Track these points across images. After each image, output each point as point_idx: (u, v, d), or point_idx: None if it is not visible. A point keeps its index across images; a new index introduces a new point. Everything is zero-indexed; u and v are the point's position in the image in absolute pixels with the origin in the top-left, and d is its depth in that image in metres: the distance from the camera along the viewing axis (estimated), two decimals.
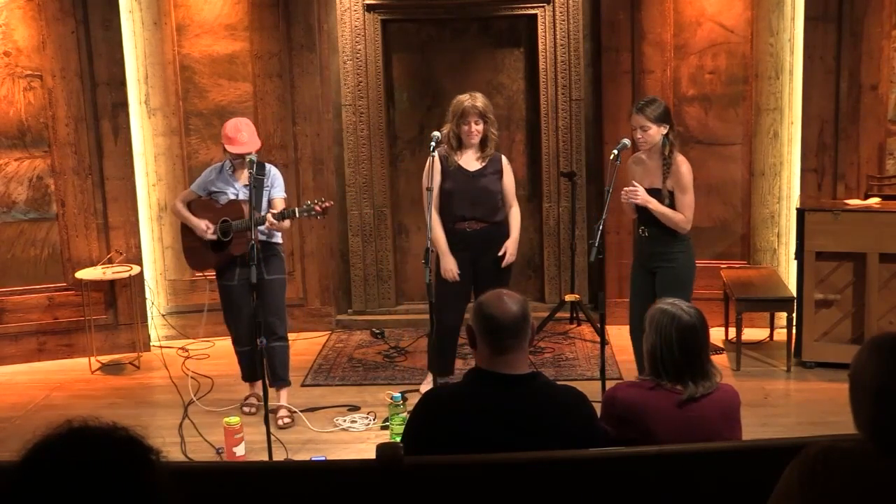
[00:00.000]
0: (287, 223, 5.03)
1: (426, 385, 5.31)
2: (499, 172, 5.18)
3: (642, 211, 4.80)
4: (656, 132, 4.71)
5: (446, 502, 2.54)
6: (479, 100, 5.08)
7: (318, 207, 4.89)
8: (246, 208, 4.90)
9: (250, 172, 4.80)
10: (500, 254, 5.12)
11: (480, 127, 5.07)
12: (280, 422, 5.03)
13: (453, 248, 5.08)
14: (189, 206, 5.15)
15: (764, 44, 6.22)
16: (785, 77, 6.22)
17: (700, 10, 6.29)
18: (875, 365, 1.92)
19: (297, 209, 4.95)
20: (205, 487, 2.44)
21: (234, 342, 5.26)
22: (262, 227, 4.83)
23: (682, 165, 4.77)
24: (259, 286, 4.80)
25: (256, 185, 4.91)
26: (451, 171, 5.11)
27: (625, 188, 4.74)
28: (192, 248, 5.18)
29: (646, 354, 2.91)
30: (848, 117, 5.91)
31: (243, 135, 4.95)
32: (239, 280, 4.99)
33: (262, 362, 4.56)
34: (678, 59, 6.34)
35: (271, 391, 5.12)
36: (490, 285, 5.21)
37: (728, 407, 2.88)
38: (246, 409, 5.21)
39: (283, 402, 5.15)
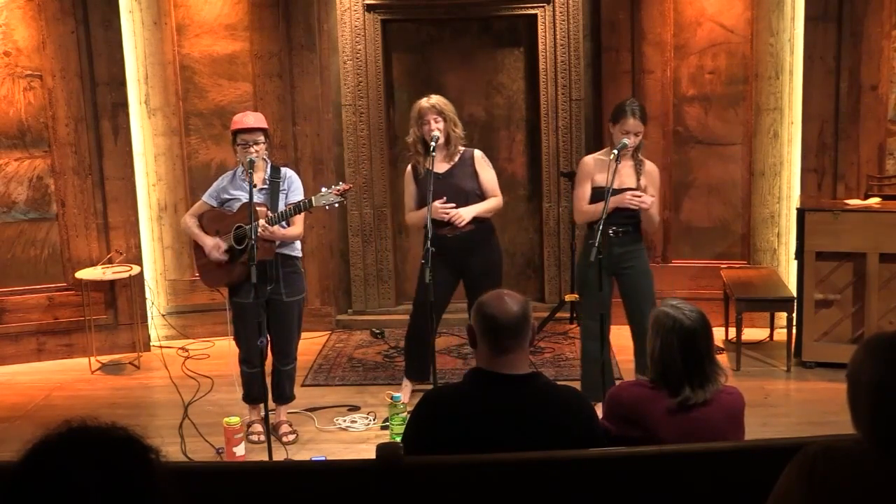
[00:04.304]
0: (295, 231, 4.72)
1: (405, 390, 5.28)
2: (471, 169, 5.08)
3: (616, 211, 4.64)
4: (642, 134, 4.77)
5: (446, 502, 2.54)
6: (434, 98, 5.04)
7: (335, 192, 4.61)
8: (263, 210, 4.59)
9: (265, 179, 4.64)
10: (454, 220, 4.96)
11: (441, 125, 4.98)
12: (284, 438, 4.81)
13: (436, 253, 4.74)
14: (200, 218, 4.84)
15: (764, 44, 6.22)
16: (785, 77, 6.22)
17: (700, 10, 6.29)
18: (872, 364, 1.92)
19: (312, 198, 4.63)
20: (205, 487, 2.44)
21: (243, 361, 4.87)
22: (269, 237, 4.54)
23: (652, 164, 4.88)
24: (277, 308, 4.71)
25: (271, 190, 4.69)
26: (423, 178, 5.00)
27: (628, 194, 4.64)
28: (205, 265, 4.83)
29: (648, 357, 2.91)
30: (848, 117, 5.91)
31: (249, 117, 4.76)
32: (255, 298, 4.51)
33: (264, 378, 4.38)
34: (678, 59, 6.34)
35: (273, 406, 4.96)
36: (478, 293, 5.17)
37: (733, 410, 2.87)
38: (254, 438, 4.81)
39: (283, 417, 4.93)
